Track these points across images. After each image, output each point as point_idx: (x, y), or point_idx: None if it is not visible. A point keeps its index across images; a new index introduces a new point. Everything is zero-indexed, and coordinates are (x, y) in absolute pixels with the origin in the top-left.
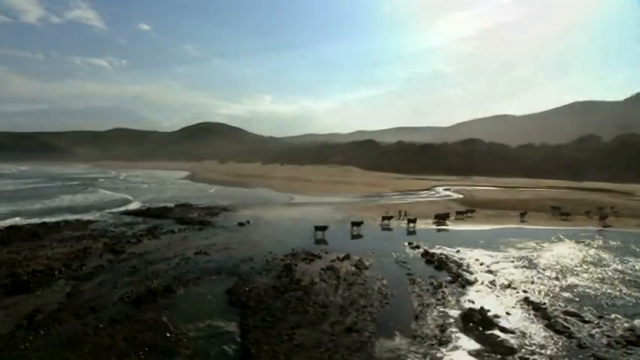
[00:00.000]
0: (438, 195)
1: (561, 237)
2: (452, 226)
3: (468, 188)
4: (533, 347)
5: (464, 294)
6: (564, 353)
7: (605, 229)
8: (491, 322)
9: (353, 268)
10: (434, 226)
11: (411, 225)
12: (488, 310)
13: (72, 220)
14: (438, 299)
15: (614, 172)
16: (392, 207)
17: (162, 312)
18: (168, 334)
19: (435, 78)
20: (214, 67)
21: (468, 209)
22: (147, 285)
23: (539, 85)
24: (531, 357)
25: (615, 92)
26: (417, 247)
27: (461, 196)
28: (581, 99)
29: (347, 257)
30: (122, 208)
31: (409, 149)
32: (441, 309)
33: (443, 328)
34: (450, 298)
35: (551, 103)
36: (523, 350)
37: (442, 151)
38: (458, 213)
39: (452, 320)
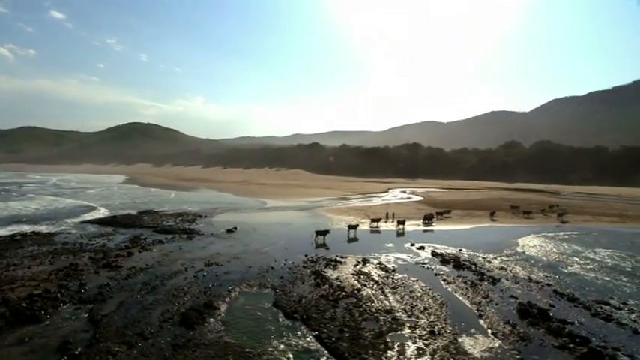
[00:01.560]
0: (399, 197)
1: (534, 233)
2: (437, 226)
3: (421, 190)
4: (602, 336)
5: (501, 290)
6: (633, 343)
7: (563, 224)
8: (546, 314)
9: (381, 271)
10: (419, 227)
11: (400, 227)
12: (535, 304)
13: (28, 233)
14: (484, 297)
15: (536, 174)
16: (368, 210)
17: (221, 331)
18: (251, 357)
19: (365, 82)
20: (141, 64)
21: (445, 210)
22: (180, 303)
23: (462, 94)
24: (605, 345)
25: (523, 104)
26: (422, 247)
27: (421, 198)
28: (496, 109)
29: (367, 261)
30: (86, 217)
31: (355, 153)
32: (495, 305)
33: (512, 323)
34: (491, 294)
35: (472, 111)
36: (594, 339)
37: (388, 155)
38: (438, 214)
39: (512, 315)
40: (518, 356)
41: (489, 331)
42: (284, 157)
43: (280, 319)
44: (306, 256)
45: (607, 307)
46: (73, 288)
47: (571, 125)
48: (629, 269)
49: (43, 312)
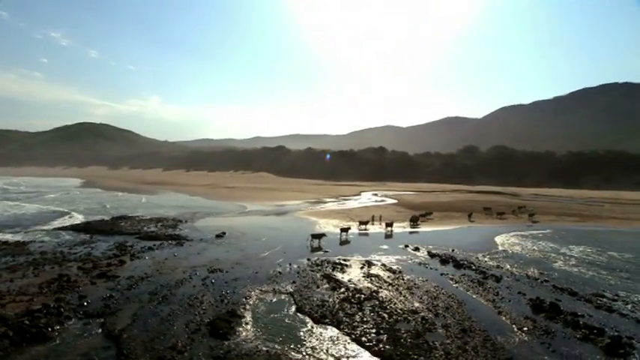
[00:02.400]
0: (373, 200)
1: (511, 232)
2: (422, 227)
3: (392, 193)
4: (612, 327)
5: (507, 287)
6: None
7: (534, 224)
8: (558, 308)
9: (389, 273)
10: (406, 229)
11: (389, 229)
12: (544, 300)
13: None
14: (494, 294)
15: (494, 176)
16: (349, 212)
17: (256, 340)
18: None
19: (326, 86)
20: (91, 61)
21: (427, 212)
22: (201, 312)
23: (418, 100)
24: (619, 335)
25: (475, 110)
26: (417, 249)
27: (395, 200)
28: (451, 115)
29: (370, 263)
30: (56, 224)
31: (321, 156)
32: (508, 302)
33: (531, 318)
34: (500, 292)
35: (429, 117)
36: (607, 330)
37: (355, 158)
38: (421, 216)
39: (527, 311)
40: (550, 349)
41: (514, 326)
42: (249, 160)
43: (310, 325)
44: (308, 260)
45: (604, 299)
46: (73, 301)
47: (519, 131)
48: (604, 264)
49: (49, 329)
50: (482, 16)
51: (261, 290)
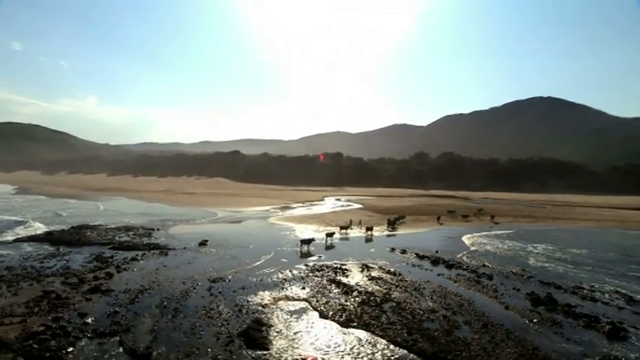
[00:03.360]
0: (339, 205)
1: (481, 233)
2: (398, 231)
3: (355, 198)
4: (603, 314)
5: (501, 284)
6: (625, 316)
7: (496, 225)
8: (554, 301)
9: (390, 275)
10: (383, 233)
11: (369, 233)
12: (538, 294)
13: None
14: (494, 291)
15: (444, 181)
16: (321, 217)
17: (299, 349)
18: None
19: (277, 91)
20: (14, 54)
21: (400, 216)
22: (225, 323)
23: (366, 107)
24: (612, 321)
25: (420, 118)
26: (404, 251)
27: (361, 205)
28: (398, 122)
29: (368, 266)
30: (9, 235)
31: (279, 161)
32: (508, 297)
33: (535, 311)
34: (498, 289)
35: (376, 124)
36: (601, 317)
37: (314, 164)
38: (396, 219)
39: (528, 304)
40: (564, 337)
41: (525, 319)
42: (202, 165)
43: (339, 330)
44: (306, 265)
45: (585, 290)
46: (74, 320)
47: (461, 139)
48: (569, 259)
49: (64, 351)
50: (420, 31)
51: (273, 298)
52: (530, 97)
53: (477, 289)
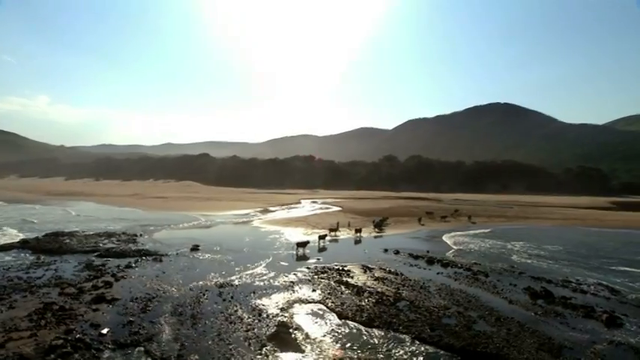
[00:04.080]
0: (317, 207)
1: (462, 233)
2: (384, 232)
3: (331, 200)
4: (596, 304)
5: (498, 280)
6: (614, 305)
7: (473, 224)
8: (551, 294)
9: (393, 275)
10: (371, 234)
11: (358, 235)
12: (534, 288)
13: None
14: (494, 287)
15: (415, 183)
16: (305, 220)
17: (333, 350)
18: None
19: (241, 94)
20: None
21: (384, 218)
22: (248, 328)
23: (332, 111)
24: (606, 310)
25: (386, 122)
26: (398, 252)
27: (339, 207)
28: (366, 125)
29: (369, 268)
30: None
31: (251, 164)
32: (508, 293)
33: (537, 304)
34: (496, 285)
35: (343, 127)
36: (596, 307)
37: (284, 167)
38: (381, 221)
39: (528, 298)
40: (570, 326)
41: (530, 312)
42: (169, 169)
43: (364, 330)
44: (308, 268)
45: (572, 284)
46: (89, 332)
47: (426, 142)
48: (548, 256)
49: None
50: (382, 37)
51: (287, 301)
52: (488, 102)
53: (478, 285)
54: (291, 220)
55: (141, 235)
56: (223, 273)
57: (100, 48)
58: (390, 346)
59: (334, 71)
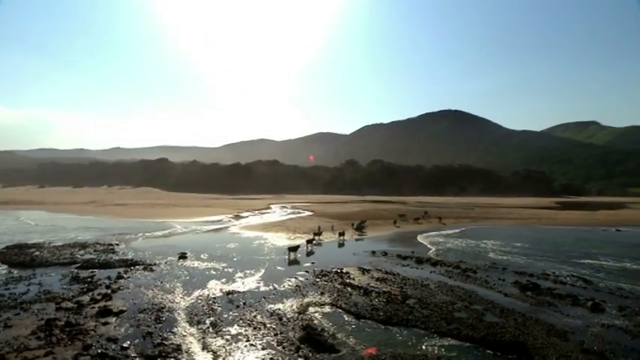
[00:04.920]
0: (289, 212)
1: (436, 233)
2: (365, 235)
3: (300, 205)
4: (577, 294)
5: (487, 276)
6: (593, 294)
7: (444, 225)
8: (538, 286)
9: (391, 275)
10: (353, 237)
11: (341, 238)
12: (521, 281)
13: None
14: (486, 282)
15: (378, 187)
16: (283, 224)
17: (359, 349)
18: None
19: (195, 97)
20: None
21: (362, 221)
22: (277, 332)
23: (289, 116)
24: (587, 298)
25: (343, 127)
26: (385, 253)
27: (311, 212)
28: (323, 130)
29: (365, 269)
30: None
31: (212, 169)
32: (500, 287)
33: (529, 296)
34: (487, 280)
35: (301, 131)
36: (578, 296)
37: (249, 171)
38: (360, 224)
39: (519, 290)
40: (563, 314)
41: (526, 303)
42: (125, 174)
43: (384, 328)
44: (307, 272)
45: (551, 276)
46: (110, 346)
47: (382, 146)
48: (519, 252)
49: None
50: (336, 43)
51: (301, 304)
52: (440, 109)
53: (471, 281)
54: (269, 225)
55: (117, 244)
56: (224, 280)
57: (39, 46)
58: (415, 342)
59: (290, 76)
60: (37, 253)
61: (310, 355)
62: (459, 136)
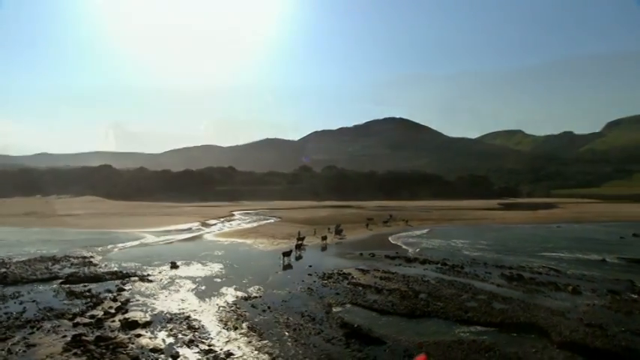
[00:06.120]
0: (257, 219)
1: (407, 233)
2: (346, 237)
3: (265, 211)
4: (554, 281)
5: (474, 271)
6: (568, 280)
7: (411, 227)
8: (522, 276)
9: (391, 274)
10: (333, 241)
11: (324, 242)
12: (505, 274)
13: None
14: (477, 276)
15: (336, 193)
16: (258, 230)
17: (412, 339)
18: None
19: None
20: None
21: (338, 224)
22: (316, 331)
23: (236, 121)
24: (566, 284)
25: (292, 133)
26: (373, 255)
27: (279, 218)
28: (270, 136)
29: (363, 270)
30: None
31: (161, 176)
32: (492, 280)
33: (518, 284)
34: (477, 274)
35: (247, 137)
36: (557, 282)
37: (202, 178)
38: (336, 228)
39: (506, 282)
40: (552, 297)
41: (520, 292)
42: (62, 182)
43: (410, 320)
44: (309, 275)
45: (527, 268)
46: (161, 357)
47: (331, 152)
48: (488, 249)
49: None
50: (282, 49)
51: (323, 305)
52: (386, 117)
53: (464, 276)
54: (244, 232)
55: (92, 256)
56: (235, 287)
57: None
58: (445, 330)
59: (235, 78)
60: (4, 269)
61: (362, 348)
62: (405, 142)
